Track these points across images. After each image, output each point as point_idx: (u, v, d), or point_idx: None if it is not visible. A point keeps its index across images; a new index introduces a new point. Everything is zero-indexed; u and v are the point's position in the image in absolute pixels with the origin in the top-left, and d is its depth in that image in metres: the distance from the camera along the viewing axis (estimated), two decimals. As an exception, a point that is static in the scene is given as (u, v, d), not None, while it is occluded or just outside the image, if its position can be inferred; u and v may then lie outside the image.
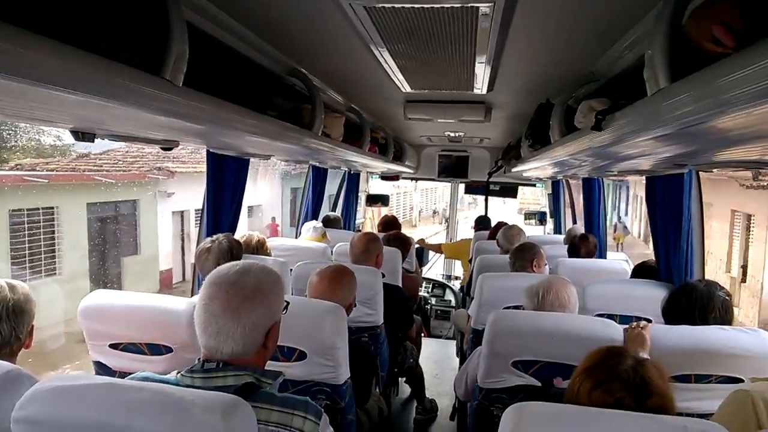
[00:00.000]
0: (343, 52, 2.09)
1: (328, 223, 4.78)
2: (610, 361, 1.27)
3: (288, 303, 1.37)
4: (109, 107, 1.06)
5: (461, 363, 3.70)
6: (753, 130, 1.02)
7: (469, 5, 1.40)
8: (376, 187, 8.12)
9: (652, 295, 2.56)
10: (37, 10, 0.90)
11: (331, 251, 3.78)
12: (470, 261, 4.85)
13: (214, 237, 2.52)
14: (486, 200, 6.35)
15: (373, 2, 1.40)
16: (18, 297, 1.54)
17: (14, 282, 1.57)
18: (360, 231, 6.00)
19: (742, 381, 1.88)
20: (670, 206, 2.46)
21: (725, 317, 2.05)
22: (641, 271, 2.84)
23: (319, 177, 4.66)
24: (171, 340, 1.88)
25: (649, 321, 2.23)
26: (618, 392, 1.22)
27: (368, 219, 9.11)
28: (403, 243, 3.87)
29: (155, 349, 1.91)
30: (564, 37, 1.75)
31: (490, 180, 5.98)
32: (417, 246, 5.47)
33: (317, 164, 4.14)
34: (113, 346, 1.92)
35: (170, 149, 1.89)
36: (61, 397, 1.03)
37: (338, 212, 5.72)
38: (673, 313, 2.13)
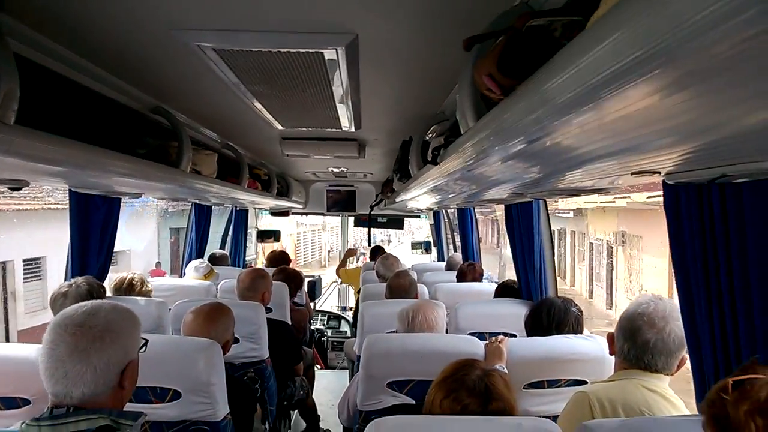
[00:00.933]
0: (207, 92, 2.13)
1: (215, 260, 4.68)
2: (459, 373, 1.38)
3: (146, 340, 1.34)
4: None
5: None
6: (556, 160, 1.20)
7: (314, 51, 1.50)
8: (276, 223, 8.07)
9: (516, 312, 2.78)
10: None
11: (216, 289, 3.71)
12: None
13: (72, 281, 2.41)
14: (368, 232, 6.53)
15: (221, 45, 1.47)
16: None
17: None
18: (251, 267, 5.92)
19: (586, 383, 2.10)
20: (525, 231, 2.71)
21: (577, 330, 2.29)
22: (504, 291, 3.07)
23: (202, 214, 4.57)
24: (27, 392, 1.75)
25: (514, 336, 2.43)
26: (464, 399, 1.32)
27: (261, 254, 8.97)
28: (293, 278, 3.89)
29: (11, 403, 1.77)
30: (410, 80, 1.92)
31: (376, 213, 6.17)
32: (309, 280, 5.49)
33: (198, 201, 4.07)
34: (-45, 403, 1.77)
35: (18, 189, 1.81)
36: None
37: (227, 249, 5.62)
38: (534, 327, 2.34)
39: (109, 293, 2.97)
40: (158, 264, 14.01)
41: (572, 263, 19.75)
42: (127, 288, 2.88)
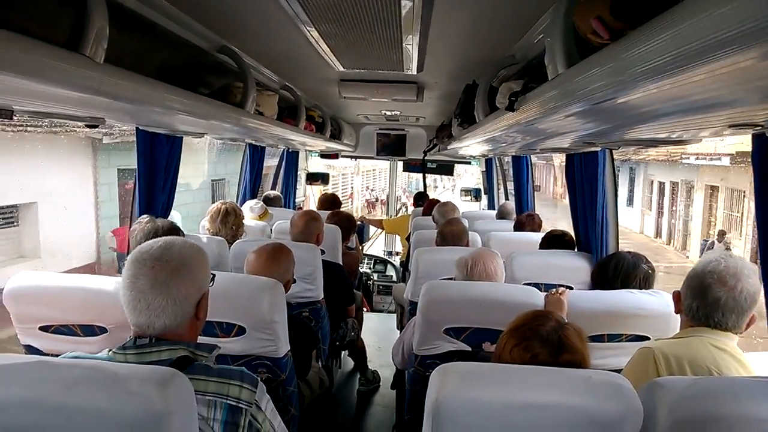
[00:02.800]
0: (274, 31, 2.10)
1: (269, 201, 4.78)
2: (534, 322, 1.38)
3: (214, 275, 1.39)
4: (25, 84, 1.05)
5: None
6: (641, 112, 1.14)
7: (391, -11, 1.45)
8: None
9: (573, 264, 2.76)
10: None
11: (271, 229, 3.80)
12: (408, 237, 4.99)
13: (150, 219, 2.49)
14: (423, 177, 6.49)
15: (297, -18, 1.43)
16: None
17: None
18: (301, 209, 6.02)
19: (648, 338, 2.08)
20: (587, 182, 2.64)
21: (645, 286, 2.25)
22: (551, 241, 3.02)
23: (256, 155, 4.64)
24: (105, 320, 1.87)
25: (570, 288, 2.41)
26: (536, 349, 1.33)
27: (309, 196, 9.10)
28: (346, 222, 3.94)
29: (89, 330, 1.89)
30: (483, 21, 1.84)
31: (427, 158, 6.11)
32: (358, 222, 5.56)
33: (253, 142, 4.12)
34: (43, 329, 1.88)
35: (96, 126, 1.86)
36: None
37: (278, 190, 5.72)
38: (599, 280, 2.32)
39: (206, 223, 3.13)
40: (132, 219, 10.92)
41: (706, 228, 14.83)
42: (223, 217, 2.96)
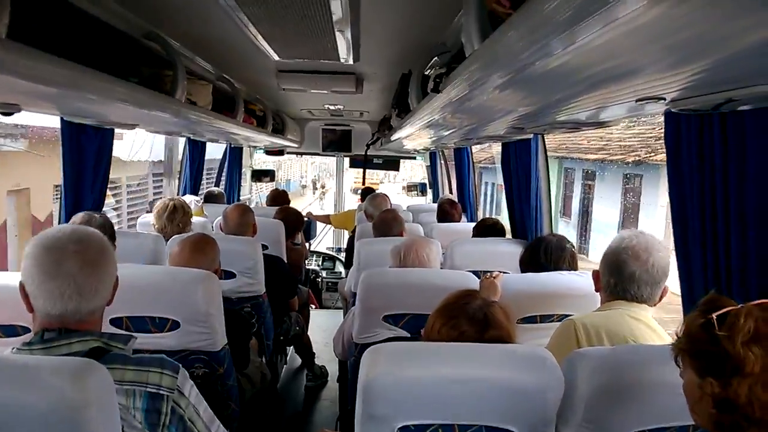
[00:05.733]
0: (202, 15, 2.06)
1: (212, 198, 4.69)
2: (461, 301, 1.41)
3: None
4: None
5: None
6: (555, 85, 1.18)
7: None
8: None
9: (511, 251, 2.82)
10: None
11: (212, 226, 3.73)
12: (354, 231, 4.99)
13: (83, 214, 2.38)
14: (364, 172, 6.51)
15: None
16: None
17: None
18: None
19: None
20: (521, 169, 2.71)
21: (573, 265, 2.33)
22: (484, 230, 3.10)
23: (196, 151, 4.54)
24: (27, 319, 1.77)
25: (507, 273, 2.47)
26: (463, 326, 1.35)
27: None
28: (294, 218, 3.91)
29: (10, 330, 1.77)
30: (414, 9, 1.87)
31: (372, 153, 6.13)
32: (305, 219, 5.52)
33: (192, 136, 4.02)
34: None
35: (10, 114, 1.77)
36: None
37: (222, 187, 5.61)
38: (530, 264, 2.38)
39: (150, 219, 3.05)
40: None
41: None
42: (170, 214, 2.90)
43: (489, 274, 2.22)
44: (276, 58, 2.72)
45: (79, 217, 2.40)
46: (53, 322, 1.17)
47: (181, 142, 4.48)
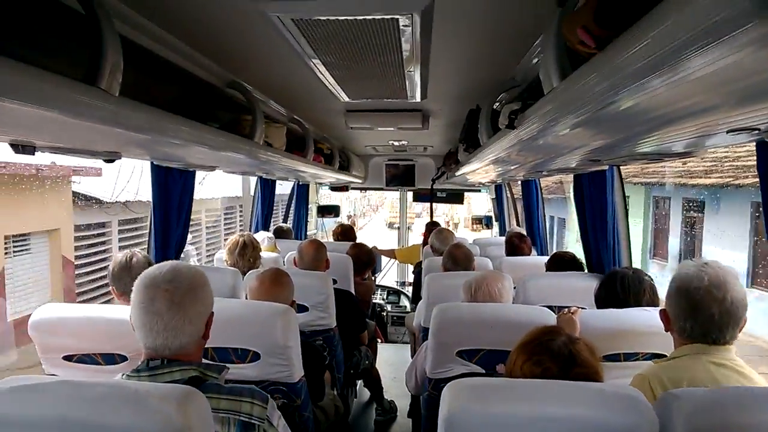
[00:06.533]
0: (279, 64, 2.18)
1: (281, 233, 4.83)
2: (544, 337, 1.37)
3: None
4: (44, 116, 1.10)
5: None
6: (637, 120, 1.16)
7: (389, 17, 1.51)
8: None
9: (586, 285, 2.72)
10: None
11: (284, 261, 3.83)
12: (419, 265, 4.99)
13: (130, 252, 2.50)
14: (431, 207, 6.53)
15: (298, 15, 1.50)
16: None
17: None
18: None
19: (665, 356, 2.05)
20: (595, 201, 2.65)
21: (654, 299, 2.22)
22: (557, 263, 3.00)
23: (267, 188, 4.72)
24: (125, 349, 1.89)
25: (583, 308, 2.39)
26: (546, 363, 1.31)
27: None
28: (365, 256, 3.96)
29: (110, 359, 1.92)
30: (483, 45, 1.90)
31: (436, 187, 6.15)
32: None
33: (264, 175, 4.19)
34: (67, 358, 1.91)
35: (112, 161, 1.92)
36: (21, 396, 1.06)
37: (290, 223, 5.78)
38: (607, 299, 2.29)
39: (224, 255, 3.19)
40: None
41: None
42: (241, 250, 3.04)
43: (566, 309, 2.16)
44: (345, 99, 2.82)
45: (120, 254, 2.49)
46: (152, 353, 1.27)
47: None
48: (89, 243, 7.98)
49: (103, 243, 8.23)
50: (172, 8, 1.49)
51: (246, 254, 3.13)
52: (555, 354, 1.33)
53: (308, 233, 6.59)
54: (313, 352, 2.36)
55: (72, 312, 1.94)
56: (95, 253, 8.02)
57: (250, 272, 2.92)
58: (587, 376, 1.32)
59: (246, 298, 2.79)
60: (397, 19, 1.54)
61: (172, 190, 2.81)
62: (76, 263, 7.75)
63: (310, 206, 6.74)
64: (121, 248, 8.08)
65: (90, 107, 1.12)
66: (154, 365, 1.26)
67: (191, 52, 1.91)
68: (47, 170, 7.09)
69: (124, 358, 1.92)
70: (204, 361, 1.36)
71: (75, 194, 7.81)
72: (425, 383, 2.21)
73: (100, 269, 7.93)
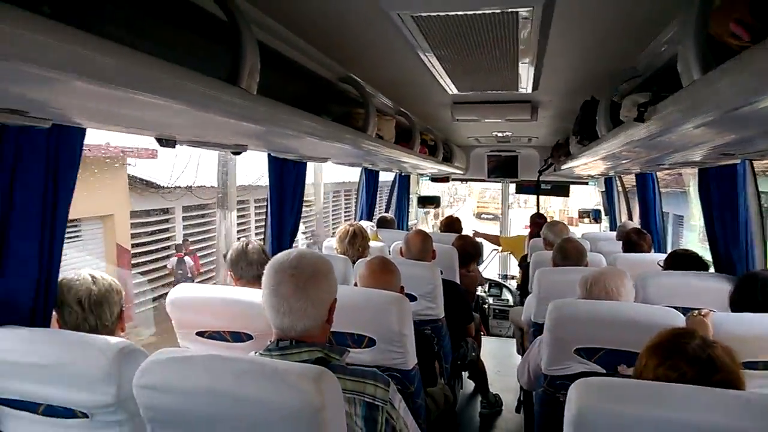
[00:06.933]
0: (392, 59, 2.22)
1: (384, 223, 4.93)
2: (678, 339, 1.29)
3: None
4: (191, 114, 1.22)
5: None
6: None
7: (509, 11, 1.50)
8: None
9: (714, 287, 2.51)
10: (129, 24, 1.06)
11: (389, 250, 3.92)
12: (525, 258, 4.90)
13: (246, 240, 2.64)
14: (537, 199, 6.35)
15: (420, 11, 1.52)
16: (99, 289, 1.63)
17: (97, 274, 1.67)
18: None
19: None
20: (725, 197, 2.45)
21: None
22: (677, 261, 2.79)
23: (371, 179, 4.84)
24: (251, 328, 2.02)
25: (713, 311, 2.22)
26: (683, 367, 1.23)
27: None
28: (472, 248, 3.96)
29: (237, 337, 2.05)
30: (603, 35, 1.82)
31: (541, 179, 5.98)
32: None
33: (369, 166, 4.29)
34: (199, 334, 2.08)
35: (239, 153, 2.07)
36: (174, 366, 1.20)
37: (391, 213, 5.88)
38: (743, 303, 2.12)
39: (333, 243, 3.33)
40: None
41: None
42: (351, 239, 3.15)
43: (697, 311, 2.02)
44: (453, 91, 2.82)
45: (237, 243, 2.64)
46: (280, 333, 1.36)
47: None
48: (149, 230, 7.44)
49: (165, 230, 7.60)
50: (301, 10, 1.57)
51: (356, 243, 3.23)
52: (691, 358, 1.24)
53: (410, 223, 6.67)
54: (425, 340, 2.40)
55: (204, 292, 2.10)
56: (155, 241, 7.49)
57: (360, 260, 3.03)
58: (729, 383, 1.22)
59: (356, 285, 2.91)
60: (517, 13, 1.52)
61: (287, 181, 2.96)
62: (133, 251, 7.26)
63: (411, 196, 6.81)
64: (185, 236, 7.77)
65: (232, 105, 1.22)
66: (284, 345, 1.34)
67: (310, 50, 2.00)
68: (97, 151, 6.39)
69: (249, 337, 2.05)
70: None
71: (131, 178, 7.25)
72: (540, 379, 2.18)
73: (161, 258, 7.39)
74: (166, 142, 1.73)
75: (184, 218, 7.73)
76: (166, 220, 7.32)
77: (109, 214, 6.80)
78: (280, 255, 1.42)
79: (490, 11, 1.54)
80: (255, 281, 2.22)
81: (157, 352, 1.28)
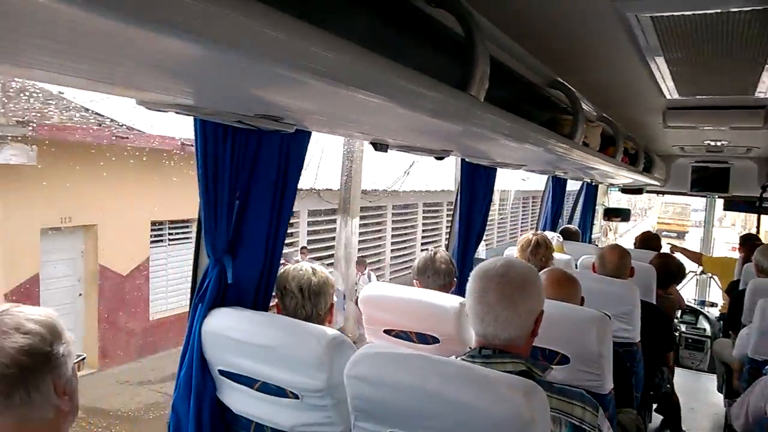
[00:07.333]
0: (608, 62, 2.09)
1: (568, 235, 4.69)
2: None
3: None
4: (414, 118, 1.25)
5: (727, 398, 3.37)
6: None
7: (762, 8, 1.31)
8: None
9: None
10: (374, 35, 1.12)
11: (575, 264, 3.72)
12: (736, 285, 4.33)
13: (434, 249, 2.60)
14: (758, 218, 5.54)
15: (661, 11, 1.40)
16: (318, 280, 1.75)
17: (317, 267, 1.81)
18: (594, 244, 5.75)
19: None
20: None
21: None
22: None
23: (558, 188, 4.63)
24: (439, 332, 2.05)
25: None
26: None
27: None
28: (675, 269, 3.61)
29: (423, 338, 2.10)
30: None
31: (765, 195, 5.20)
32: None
33: (561, 175, 4.12)
34: (387, 332, 2.17)
35: (442, 158, 2.11)
36: (384, 361, 1.26)
37: (575, 224, 5.59)
38: None
39: (514, 252, 3.25)
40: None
41: None
42: (534, 248, 3.06)
43: None
44: (671, 96, 2.58)
45: (425, 252, 2.62)
46: (482, 341, 1.34)
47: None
48: None
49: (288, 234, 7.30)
50: (523, 13, 1.54)
51: (539, 253, 3.10)
52: None
53: (593, 237, 6.28)
54: (622, 364, 2.24)
55: (394, 292, 2.18)
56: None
57: (541, 271, 2.91)
58: None
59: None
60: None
61: (477, 185, 2.96)
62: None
63: (596, 207, 6.40)
64: (309, 242, 7.61)
65: (461, 111, 1.24)
66: (487, 354, 1.32)
67: (523, 54, 1.95)
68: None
69: (436, 340, 2.08)
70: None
71: None
72: (761, 426, 1.91)
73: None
74: (380, 146, 1.83)
75: (310, 223, 7.55)
76: (291, 224, 7.59)
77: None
78: (486, 263, 1.40)
79: (736, 10, 1.37)
80: (441, 291, 2.23)
81: (366, 346, 1.35)
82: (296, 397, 1.56)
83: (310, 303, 1.74)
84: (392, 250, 12.39)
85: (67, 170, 6.46)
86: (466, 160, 2.82)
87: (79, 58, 0.76)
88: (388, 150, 1.88)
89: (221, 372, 1.70)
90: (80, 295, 6.87)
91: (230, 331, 1.66)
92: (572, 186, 5.72)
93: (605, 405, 1.90)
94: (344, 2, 1.05)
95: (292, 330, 1.61)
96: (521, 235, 3.72)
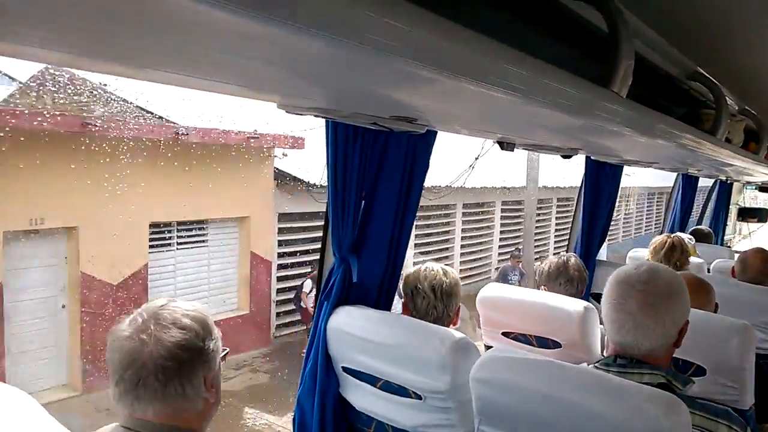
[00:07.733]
0: (756, 45, 1.90)
1: (701, 237, 4.36)
2: None
3: None
4: (550, 115, 1.21)
5: None
6: None
7: None
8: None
9: None
10: (505, 24, 1.09)
11: (707, 268, 3.44)
12: None
13: (566, 254, 2.50)
14: None
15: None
16: (449, 281, 1.77)
17: (447, 268, 1.83)
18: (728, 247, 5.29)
19: None
20: None
21: None
22: None
23: (689, 186, 4.32)
24: (560, 336, 1.98)
25: None
26: None
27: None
28: None
29: (543, 342, 2.04)
30: None
31: None
32: None
33: (694, 172, 3.82)
34: (505, 334, 2.13)
35: (569, 157, 2.03)
36: (511, 366, 1.24)
37: (704, 225, 5.17)
38: None
39: (644, 254, 3.10)
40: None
41: None
42: (668, 251, 2.90)
43: None
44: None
45: (555, 257, 2.48)
46: (618, 349, 1.27)
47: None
48: (295, 238, 5.87)
49: (311, 240, 5.87)
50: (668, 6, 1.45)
51: (673, 257, 2.91)
52: None
53: (725, 238, 5.77)
54: (763, 376, 2.05)
55: (515, 294, 2.14)
56: (303, 252, 5.91)
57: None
58: None
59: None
60: None
61: (603, 183, 2.83)
62: (279, 262, 5.55)
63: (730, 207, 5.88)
64: None
65: (600, 108, 1.19)
66: (623, 363, 1.26)
67: (662, 44, 1.83)
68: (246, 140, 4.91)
69: (557, 345, 2.00)
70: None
71: (278, 173, 5.64)
72: None
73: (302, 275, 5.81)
74: (507, 145, 1.79)
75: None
76: (318, 227, 6.12)
77: (245, 216, 5.56)
78: (626, 267, 1.33)
79: None
80: None
81: (492, 350, 1.33)
82: (419, 397, 1.58)
83: (442, 303, 1.76)
84: (462, 253, 11.22)
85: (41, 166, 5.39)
86: (592, 158, 2.70)
87: (238, 66, 0.82)
88: (515, 149, 1.84)
89: (344, 369, 1.76)
90: (63, 306, 5.95)
91: (354, 329, 1.70)
92: (701, 183, 5.32)
93: (746, 421, 1.75)
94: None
95: (416, 330, 1.63)
96: (644, 234, 3.50)
